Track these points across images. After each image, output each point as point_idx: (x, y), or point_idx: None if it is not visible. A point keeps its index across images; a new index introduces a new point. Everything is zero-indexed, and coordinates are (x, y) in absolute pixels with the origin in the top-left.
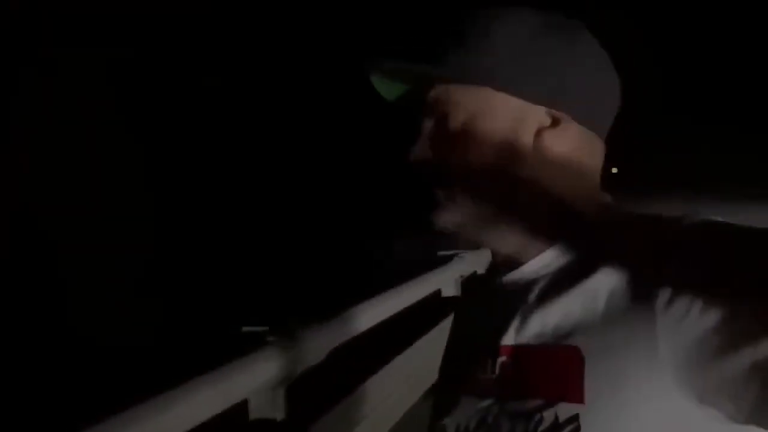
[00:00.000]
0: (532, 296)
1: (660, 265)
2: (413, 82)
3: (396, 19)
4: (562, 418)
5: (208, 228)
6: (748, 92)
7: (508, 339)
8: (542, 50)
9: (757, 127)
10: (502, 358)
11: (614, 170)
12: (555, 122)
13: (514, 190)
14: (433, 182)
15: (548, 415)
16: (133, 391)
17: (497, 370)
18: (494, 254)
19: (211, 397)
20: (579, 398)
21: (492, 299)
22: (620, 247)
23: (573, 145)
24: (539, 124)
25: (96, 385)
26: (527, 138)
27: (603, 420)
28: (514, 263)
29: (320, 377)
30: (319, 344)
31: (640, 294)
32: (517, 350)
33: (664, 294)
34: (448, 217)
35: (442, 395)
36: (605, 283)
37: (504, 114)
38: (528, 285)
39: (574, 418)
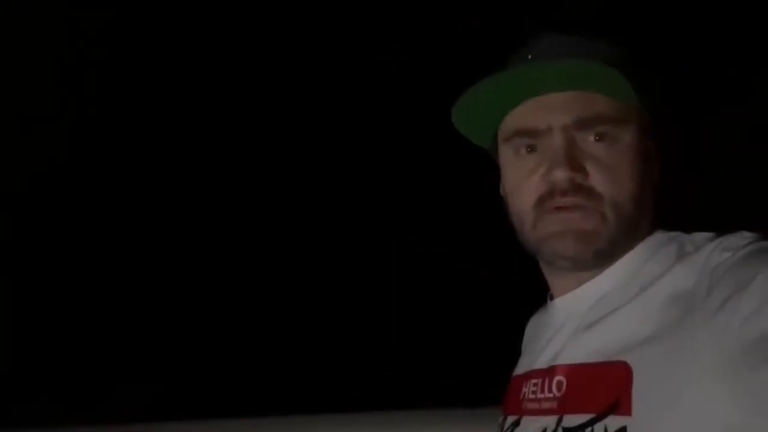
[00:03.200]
0: (587, 316)
1: (705, 283)
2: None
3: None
4: (611, 430)
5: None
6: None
7: (564, 359)
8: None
9: None
10: (558, 378)
11: None
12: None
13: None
14: (568, 207)
15: (599, 428)
16: None
17: (554, 389)
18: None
19: None
20: (627, 410)
21: (551, 321)
22: (671, 268)
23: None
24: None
25: None
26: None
27: (650, 430)
28: (571, 285)
29: None
30: None
31: (687, 308)
32: (572, 369)
33: (708, 308)
34: (594, 246)
35: (506, 417)
36: (655, 302)
37: (653, 138)
38: (581, 306)
39: (623, 430)
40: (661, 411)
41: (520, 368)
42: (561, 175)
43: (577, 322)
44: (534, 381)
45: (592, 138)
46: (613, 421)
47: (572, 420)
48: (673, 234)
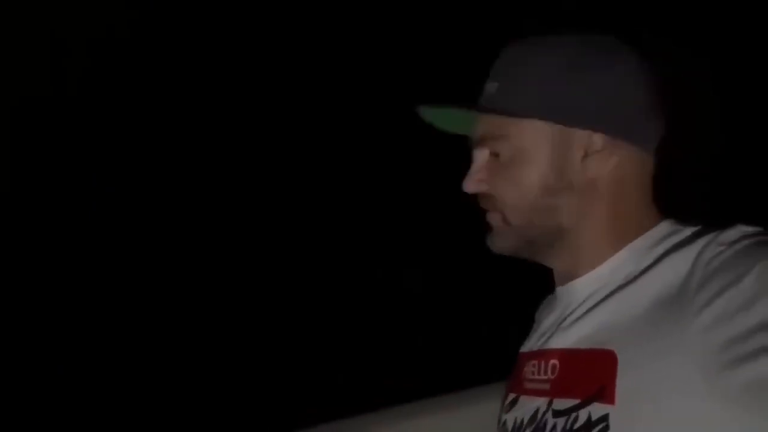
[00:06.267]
0: (584, 304)
1: (697, 276)
2: (460, 120)
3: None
4: (594, 417)
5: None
6: None
7: (558, 343)
8: (580, 75)
9: None
10: (553, 361)
11: None
12: (602, 144)
13: (566, 213)
14: (486, 210)
15: (583, 414)
16: None
17: (549, 372)
18: (552, 268)
19: None
20: (610, 399)
21: (551, 307)
22: (664, 260)
23: (620, 164)
24: (586, 147)
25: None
26: (575, 162)
27: (630, 420)
28: (571, 275)
29: None
30: None
31: (678, 302)
32: (565, 353)
33: (697, 302)
34: (504, 242)
35: (508, 394)
36: (646, 292)
37: (550, 142)
38: (581, 294)
39: (604, 418)
40: (642, 402)
41: (526, 347)
42: (464, 186)
43: (574, 308)
44: (533, 362)
45: (487, 152)
46: (596, 408)
47: (561, 403)
48: (677, 227)
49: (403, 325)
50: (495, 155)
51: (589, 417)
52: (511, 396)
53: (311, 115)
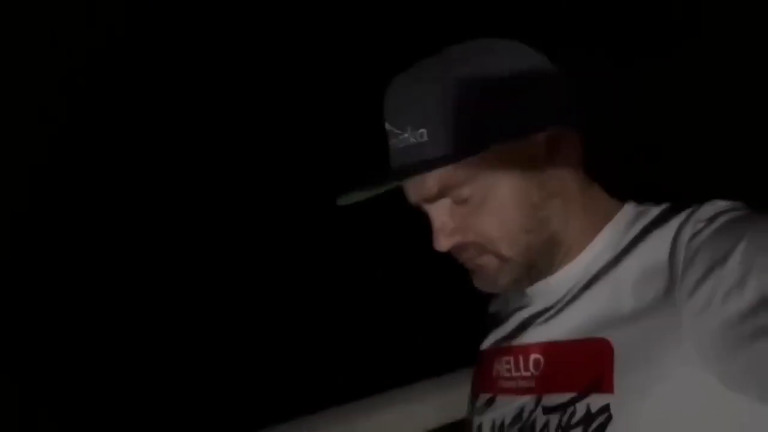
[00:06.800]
0: (564, 297)
1: (681, 256)
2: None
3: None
4: (594, 408)
5: None
6: None
7: (540, 336)
8: (499, 86)
9: None
10: (534, 356)
11: None
12: (552, 139)
13: (555, 219)
14: (469, 258)
15: (581, 407)
16: None
17: (531, 368)
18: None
19: None
20: (609, 388)
21: (520, 303)
22: (642, 241)
23: (565, 157)
24: (543, 148)
25: None
26: (544, 168)
27: (632, 408)
28: (545, 271)
29: None
30: None
31: (665, 285)
32: (549, 347)
33: (687, 284)
34: (507, 277)
35: (478, 395)
36: (629, 277)
37: (514, 161)
38: (561, 287)
39: (605, 408)
40: (643, 389)
41: (487, 344)
42: (439, 247)
43: (554, 301)
44: (507, 359)
45: (448, 203)
46: (595, 399)
47: (552, 399)
48: (642, 208)
49: (404, 325)
50: (461, 202)
51: (588, 409)
52: (485, 396)
53: (311, 115)
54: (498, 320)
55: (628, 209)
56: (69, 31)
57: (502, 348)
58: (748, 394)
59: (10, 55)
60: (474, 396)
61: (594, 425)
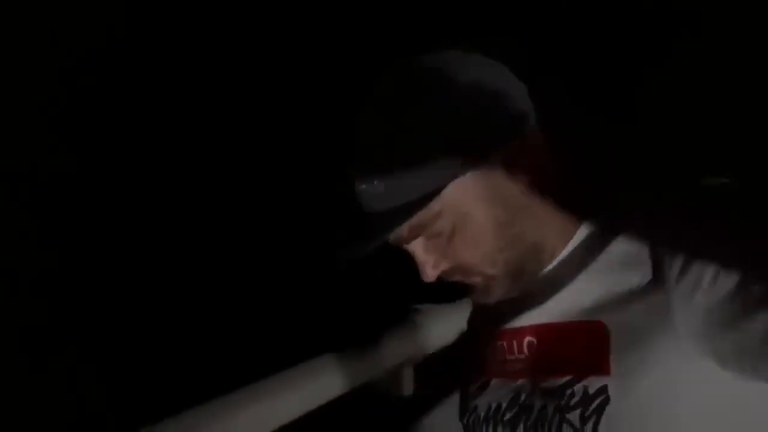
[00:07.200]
0: (552, 281)
1: (668, 238)
2: None
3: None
4: (591, 390)
5: None
6: None
7: (533, 319)
8: (442, 110)
9: None
10: (528, 338)
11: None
12: (503, 163)
13: (530, 230)
14: (463, 279)
15: (578, 389)
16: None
17: (525, 350)
18: None
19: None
20: (606, 370)
21: None
22: (630, 226)
23: (529, 166)
24: (499, 165)
25: None
26: (505, 185)
27: (629, 389)
28: (537, 271)
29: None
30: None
31: (654, 268)
32: (543, 329)
33: (676, 266)
34: (500, 290)
35: (470, 379)
36: (620, 260)
37: (475, 187)
38: (549, 274)
39: (603, 390)
40: (640, 370)
41: (478, 326)
42: (426, 279)
43: (545, 286)
44: (500, 342)
45: (422, 240)
46: (593, 381)
47: (549, 382)
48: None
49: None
50: (434, 236)
51: (586, 391)
52: (478, 380)
53: (311, 115)
54: (488, 304)
55: (610, 197)
56: (69, 31)
57: (494, 332)
58: (744, 373)
59: (10, 55)
60: (465, 380)
61: (592, 407)
